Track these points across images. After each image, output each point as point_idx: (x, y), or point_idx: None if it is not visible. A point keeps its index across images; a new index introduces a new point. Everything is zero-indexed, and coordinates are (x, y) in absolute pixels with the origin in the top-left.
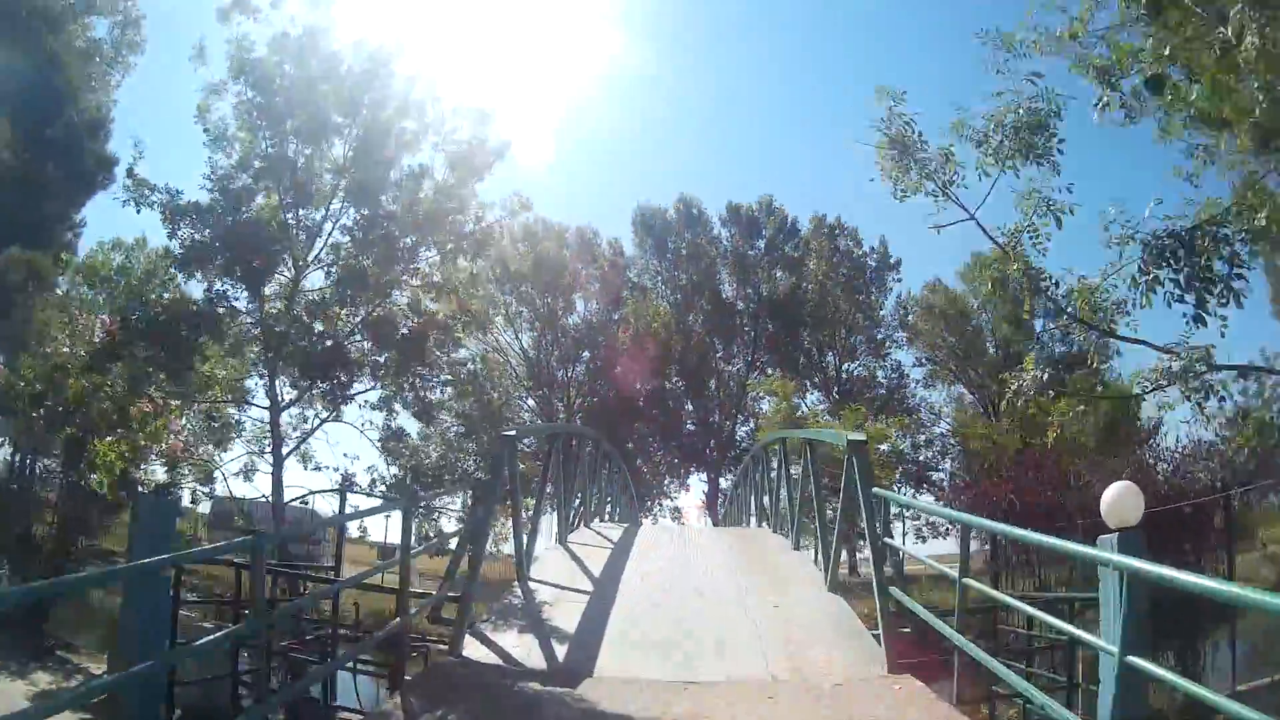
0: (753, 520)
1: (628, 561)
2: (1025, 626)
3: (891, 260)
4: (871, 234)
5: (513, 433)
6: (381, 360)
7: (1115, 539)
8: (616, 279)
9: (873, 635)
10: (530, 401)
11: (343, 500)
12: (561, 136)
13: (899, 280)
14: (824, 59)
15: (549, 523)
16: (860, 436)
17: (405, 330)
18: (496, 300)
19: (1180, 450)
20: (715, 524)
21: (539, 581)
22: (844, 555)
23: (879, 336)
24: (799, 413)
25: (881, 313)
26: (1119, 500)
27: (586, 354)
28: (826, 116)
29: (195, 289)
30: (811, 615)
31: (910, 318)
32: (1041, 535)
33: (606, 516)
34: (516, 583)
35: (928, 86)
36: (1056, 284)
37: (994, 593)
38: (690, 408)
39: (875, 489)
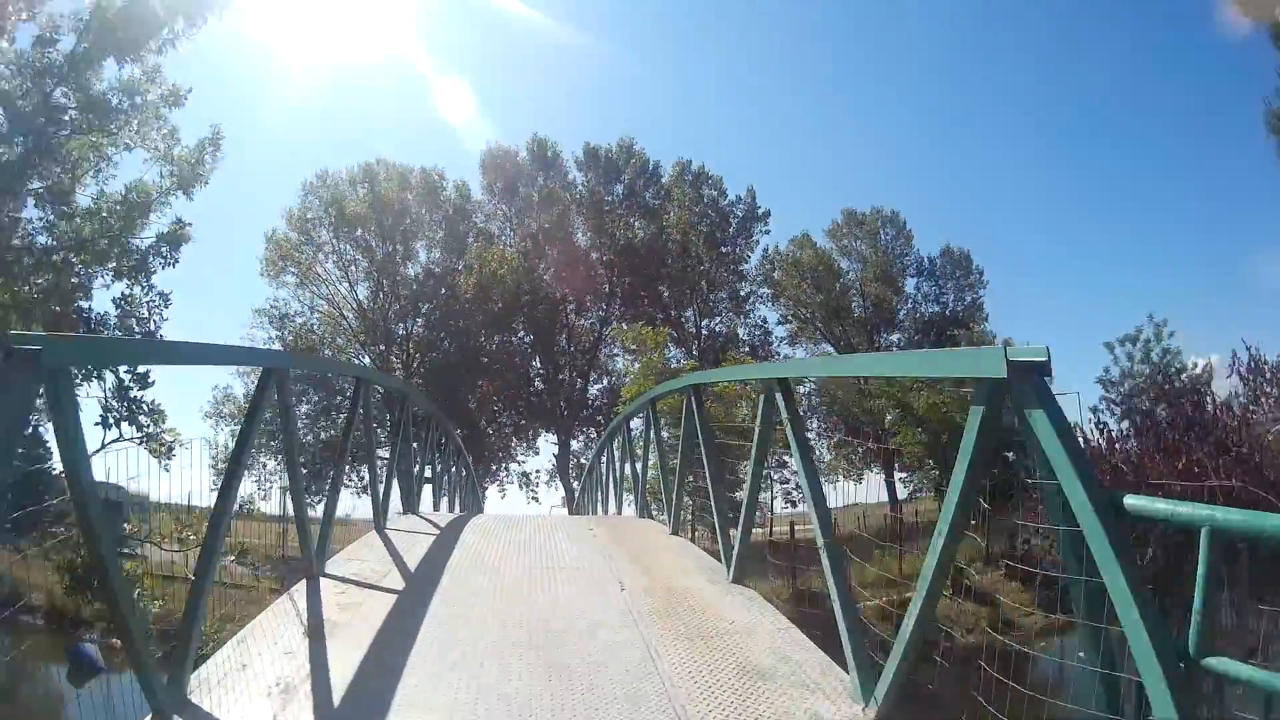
0: (626, 505)
1: (443, 630)
2: None
3: (760, 211)
4: (739, 183)
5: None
6: None
7: None
8: (462, 224)
9: None
10: (365, 359)
11: None
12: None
13: (767, 232)
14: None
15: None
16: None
17: None
18: (326, 247)
19: None
20: (571, 499)
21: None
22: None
23: (743, 292)
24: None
25: (745, 267)
26: None
27: (426, 306)
28: (693, 58)
29: None
30: None
31: (776, 273)
32: None
33: (434, 504)
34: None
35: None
36: None
37: None
38: (539, 364)
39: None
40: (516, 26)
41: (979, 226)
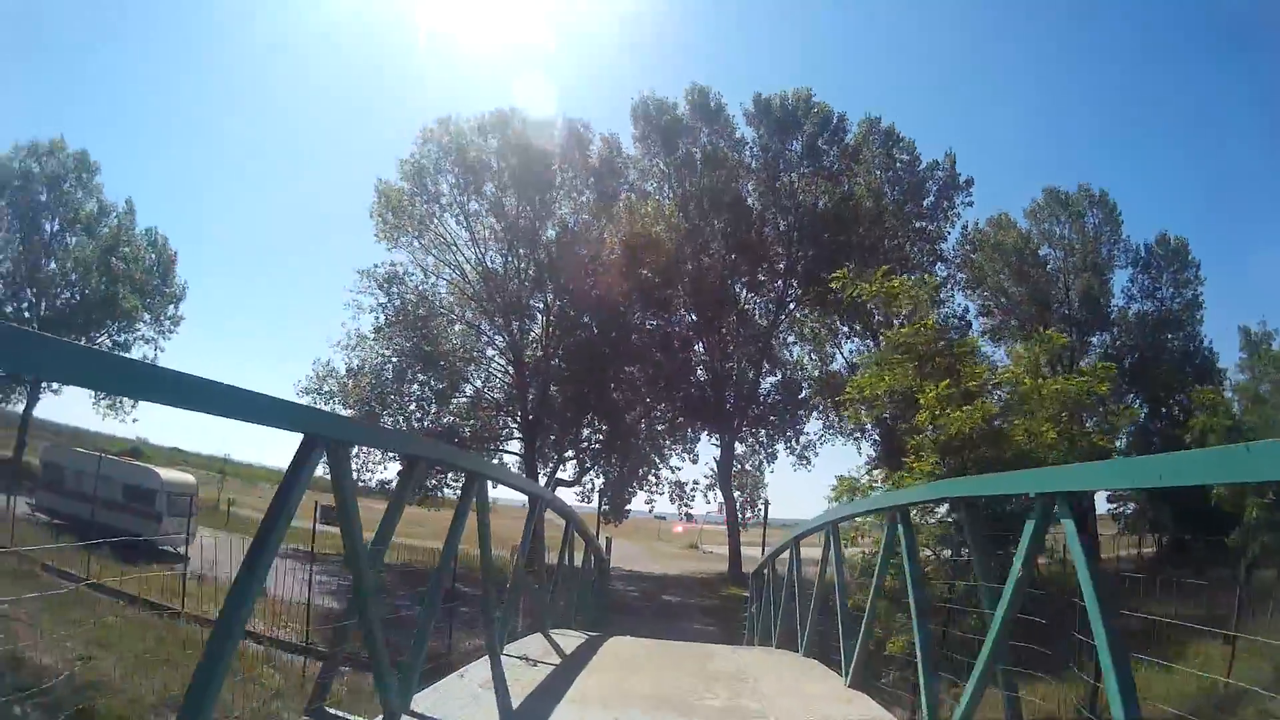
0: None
1: None
2: None
3: (962, 179)
4: (934, 146)
5: None
6: None
7: None
8: (612, 181)
9: None
10: (489, 332)
11: None
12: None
13: (970, 204)
14: None
15: None
16: None
17: None
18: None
19: None
20: (732, 510)
21: None
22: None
23: (940, 276)
24: (833, 363)
25: (942, 245)
26: None
27: (564, 275)
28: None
29: None
30: None
31: (977, 255)
32: None
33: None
34: None
35: None
36: None
37: None
38: (702, 350)
39: None
40: None
41: (1188, 208)
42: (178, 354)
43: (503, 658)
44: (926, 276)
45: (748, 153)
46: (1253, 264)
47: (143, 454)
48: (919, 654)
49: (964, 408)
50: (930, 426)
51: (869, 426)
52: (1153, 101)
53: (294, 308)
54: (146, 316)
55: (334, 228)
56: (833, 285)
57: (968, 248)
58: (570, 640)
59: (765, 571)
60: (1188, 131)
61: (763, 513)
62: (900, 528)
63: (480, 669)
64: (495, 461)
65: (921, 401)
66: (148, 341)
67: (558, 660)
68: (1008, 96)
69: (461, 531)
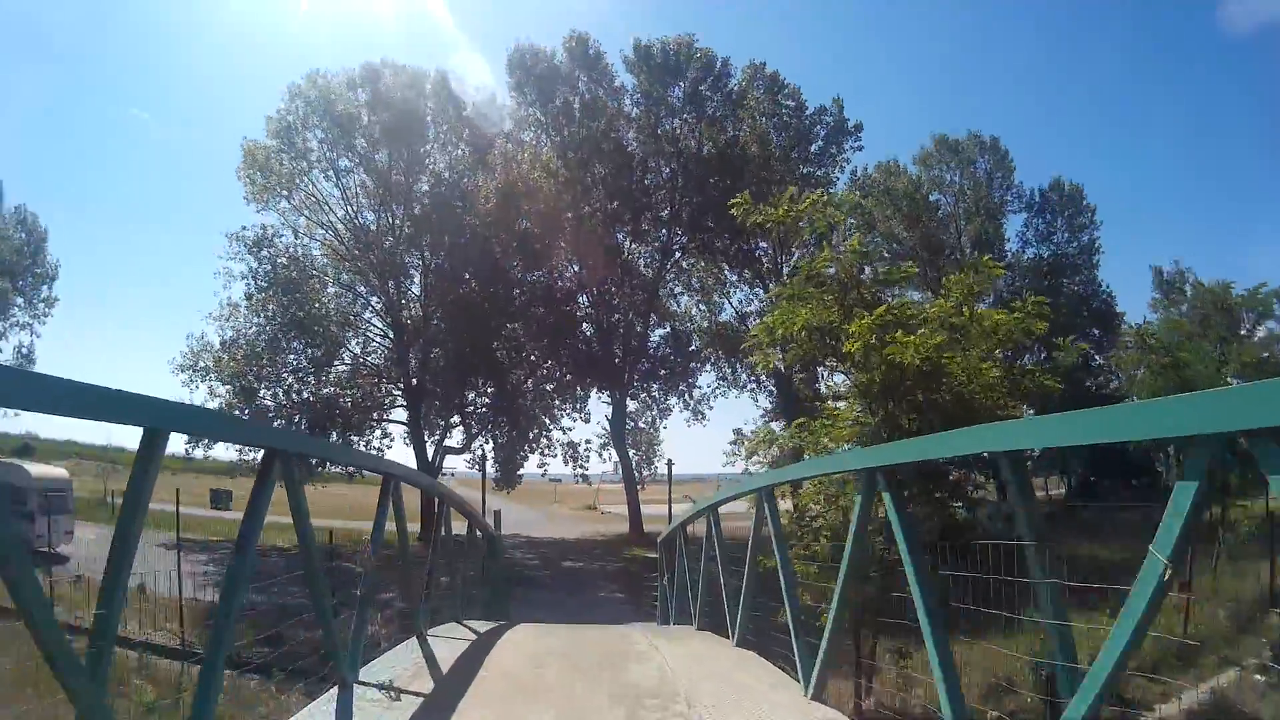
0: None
1: None
2: None
3: (850, 124)
4: (821, 94)
5: None
6: None
7: None
8: (487, 132)
9: None
10: (365, 293)
11: None
12: None
13: (859, 148)
14: None
15: None
16: None
17: None
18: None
19: None
20: (629, 471)
21: None
22: None
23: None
24: (722, 314)
25: (830, 191)
26: None
27: (437, 219)
28: None
29: None
30: None
31: (868, 200)
32: None
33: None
34: None
35: None
36: None
37: None
38: (587, 303)
39: None
40: None
41: (1083, 156)
42: (56, 338)
43: (356, 689)
44: (844, 194)
45: (628, 100)
46: (1157, 212)
47: (34, 451)
48: (938, 671)
49: (909, 337)
50: (856, 363)
51: (763, 378)
52: (1066, 51)
53: (179, 281)
54: (19, 300)
55: (218, 196)
56: (732, 212)
57: (857, 193)
58: (453, 645)
59: (677, 539)
60: (1096, 78)
61: (662, 470)
62: (888, 494)
63: (321, 714)
64: (379, 434)
65: (852, 330)
66: (22, 327)
67: (431, 685)
68: (902, 45)
69: (258, 524)
